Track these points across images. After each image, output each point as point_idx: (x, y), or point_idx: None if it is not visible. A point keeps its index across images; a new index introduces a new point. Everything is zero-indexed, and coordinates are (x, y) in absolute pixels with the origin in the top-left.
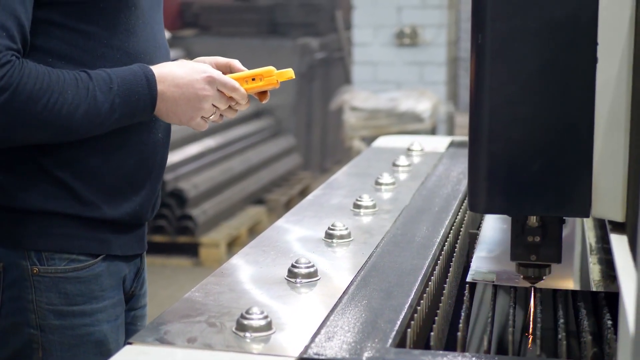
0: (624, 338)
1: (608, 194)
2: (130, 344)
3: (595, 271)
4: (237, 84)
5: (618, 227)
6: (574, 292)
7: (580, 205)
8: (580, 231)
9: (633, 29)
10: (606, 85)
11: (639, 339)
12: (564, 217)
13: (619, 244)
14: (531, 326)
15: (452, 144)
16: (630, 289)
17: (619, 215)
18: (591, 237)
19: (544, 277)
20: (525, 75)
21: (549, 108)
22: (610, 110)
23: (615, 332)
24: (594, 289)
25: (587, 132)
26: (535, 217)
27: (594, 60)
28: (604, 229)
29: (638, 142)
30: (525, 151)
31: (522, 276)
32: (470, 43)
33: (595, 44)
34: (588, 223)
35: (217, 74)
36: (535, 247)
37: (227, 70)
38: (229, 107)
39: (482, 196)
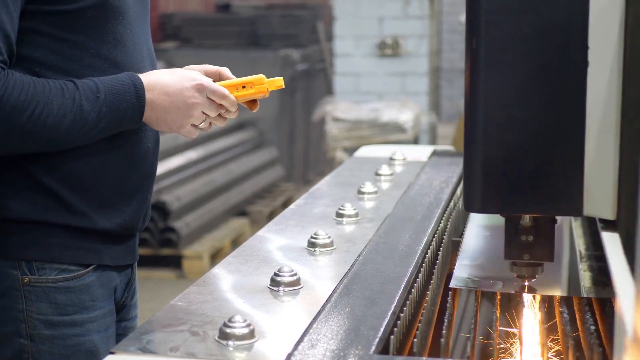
0: (620, 335)
1: (599, 193)
2: (113, 353)
3: (585, 278)
4: (226, 92)
5: (609, 225)
6: (560, 298)
7: (572, 205)
8: (568, 239)
9: (623, 33)
10: (597, 88)
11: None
12: (556, 217)
13: (611, 241)
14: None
15: (435, 153)
16: (626, 287)
17: (610, 214)
18: (581, 245)
19: (536, 276)
20: (519, 79)
21: (541, 110)
22: (601, 112)
23: (599, 337)
24: (585, 295)
25: (578, 134)
26: (528, 216)
27: (585, 64)
28: (593, 236)
29: (628, 143)
30: (519, 152)
31: (515, 275)
32: (465, 48)
33: (586, 48)
34: (577, 231)
35: (207, 82)
36: (528, 246)
37: (217, 78)
38: (219, 114)
39: (477, 196)
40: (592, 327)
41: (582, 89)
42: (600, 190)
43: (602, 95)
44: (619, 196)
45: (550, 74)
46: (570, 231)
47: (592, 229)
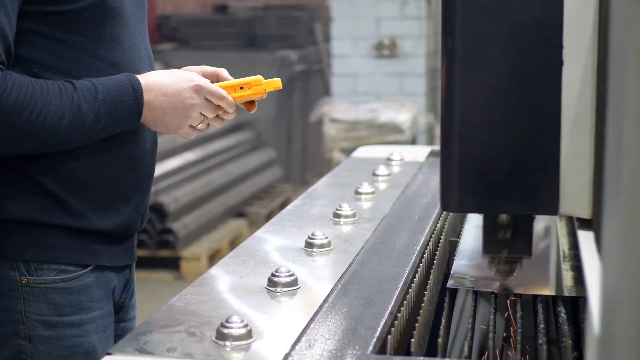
0: (591, 336)
1: (575, 191)
2: (110, 354)
3: (567, 277)
4: (224, 93)
5: (585, 224)
6: (554, 297)
7: (548, 203)
8: (555, 239)
9: (597, 32)
10: (572, 88)
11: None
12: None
13: (586, 240)
14: (512, 332)
15: (432, 154)
16: (597, 285)
17: (585, 212)
18: (564, 244)
19: (515, 272)
20: (494, 79)
21: (517, 110)
22: (576, 111)
23: (572, 338)
24: (567, 294)
25: (554, 133)
26: (507, 215)
27: (560, 63)
28: (576, 235)
29: (602, 141)
30: (495, 152)
31: (494, 272)
32: (440, 48)
33: (561, 47)
34: (562, 230)
35: (205, 83)
36: (506, 243)
37: (215, 79)
38: (217, 115)
39: (454, 195)
40: (566, 327)
41: (558, 88)
42: (576, 188)
43: (577, 94)
44: (594, 195)
45: (526, 73)
46: (556, 230)
47: (571, 227)
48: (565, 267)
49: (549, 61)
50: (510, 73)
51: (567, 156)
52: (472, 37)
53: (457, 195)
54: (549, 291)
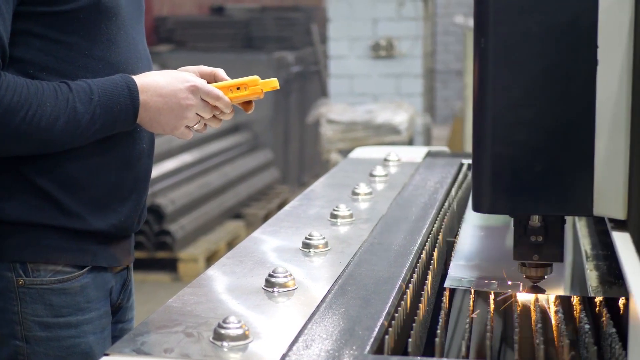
0: (636, 334)
1: (610, 192)
2: (107, 355)
3: (592, 277)
4: (221, 93)
5: (620, 225)
6: (555, 297)
7: (582, 204)
8: (571, 239)
9: (633, 31)
10: (607, 87)
11: None
12: (565, 217)
13: (622, 241)
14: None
15: (429, 154)
16: (639, 284)
17: (620, 213)
18: (586, 245)
19: (545, 277)
20: (528, 78)
21: (551, 110)
22: (612, 111)
23: (595, 336)
24: (592, 295)
25: (588, 133)
26: (537, 217)
27: (594, 62)
28: (599, 235)
29: (638, 141)
30: (528, 152)
31: (524, 276)
32: (473, 47)
33: (596, 46)
34: (582, 230)
35: (201, 83)
36: (537, 247)
37: (212, 79)
38: (214, 116)
39: (486, 197)
40: (587, 327)
41: (592, 88)
42: (610, 189)
43: (613, 94)
44: (629, 196)
45: (560, 73)
46: (574, 231)
47: (598, 228)
48: (589, 267)
49: (584, 60)
50: (544, 73)
51: (602, 157)
52: (505, 37)
53: (489, 197)
54: (573, 292)
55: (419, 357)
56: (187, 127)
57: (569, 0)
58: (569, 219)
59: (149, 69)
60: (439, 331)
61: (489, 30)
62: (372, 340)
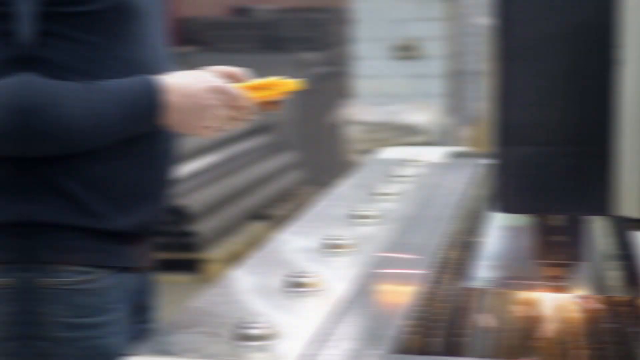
0: None
1: (632, 193)
2: (129, 355)
3: (613, 277)
4: (243, 94)
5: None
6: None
7: (604, 205)
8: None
9: None
10: (630, 87)
11: None
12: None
13: None
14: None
15: (453, 155)
16: None
17: None
18: (605, 244)
19: (567, 276)
20: (550, 78)
21: (573, 110)
22: (634, 111)
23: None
24: (612, 294)
25: (609, 133)
26: (559, 217)
27: (617, 62)
28: (618, 235)
29: None
30: (551, 152)
31: (546, 275)
32: (495, 47)
33: (619, 46)
34: (600, 230)
35: (223, 84)
36: (559, 247)
37: (235, 80)
38: (236, 117)
39: (508, 197)
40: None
41: (612, 88)
42: (632, 189)
43: (636, 93)
44: None
45: (582, 73)
46: (591, 231)
47: (616, 228)
48: (610, 267)
49: (606, 60)
50: (566, 72)
51: (625, 157)
52: (527, 37)
53: (510, 197)
54: (593, 291)
55: (442, 357)
56: (210, 127)
57: (590, 0)
58: (589, 219)
59: (172, 69)
60: (460, 331)
61: (512, 31)
62: (395, 339)
